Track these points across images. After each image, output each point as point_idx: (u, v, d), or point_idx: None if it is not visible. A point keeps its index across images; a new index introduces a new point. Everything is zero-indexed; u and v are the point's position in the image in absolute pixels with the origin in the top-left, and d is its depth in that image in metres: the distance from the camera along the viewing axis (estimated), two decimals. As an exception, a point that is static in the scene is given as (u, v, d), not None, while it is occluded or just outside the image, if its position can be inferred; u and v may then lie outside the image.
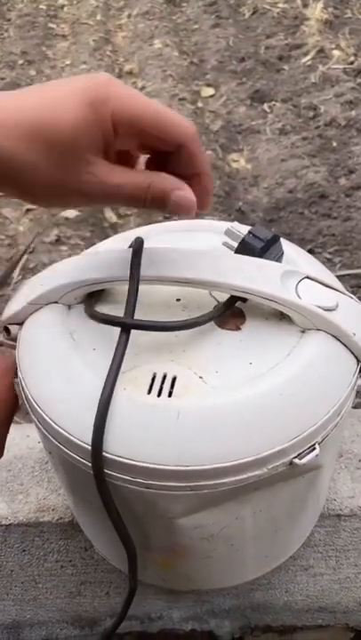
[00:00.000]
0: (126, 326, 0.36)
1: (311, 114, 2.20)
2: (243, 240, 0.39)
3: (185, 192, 0.33)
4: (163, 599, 0.54)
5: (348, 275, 1.62)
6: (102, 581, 0.54)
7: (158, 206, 0.33)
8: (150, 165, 0.35)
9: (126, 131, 0.31)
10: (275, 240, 0.39)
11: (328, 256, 1.69)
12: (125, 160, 0.34)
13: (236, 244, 0.40)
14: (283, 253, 0.41)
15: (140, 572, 0.47)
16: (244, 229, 0.40)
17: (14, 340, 0.41)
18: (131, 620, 0.55)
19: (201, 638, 0.56)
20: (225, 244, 0.41)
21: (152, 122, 0.31)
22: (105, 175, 0.32)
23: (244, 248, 0.39)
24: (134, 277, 0.37)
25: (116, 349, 0.35)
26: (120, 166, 0.33)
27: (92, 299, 0.41)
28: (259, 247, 0.39)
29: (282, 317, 0.38)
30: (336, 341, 0.37)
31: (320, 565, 0.53)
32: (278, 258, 0.40)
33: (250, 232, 0.39)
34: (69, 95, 0.30)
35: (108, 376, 0.34)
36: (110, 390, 0.34)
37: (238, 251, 0.39)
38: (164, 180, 0.33)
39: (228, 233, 0.40)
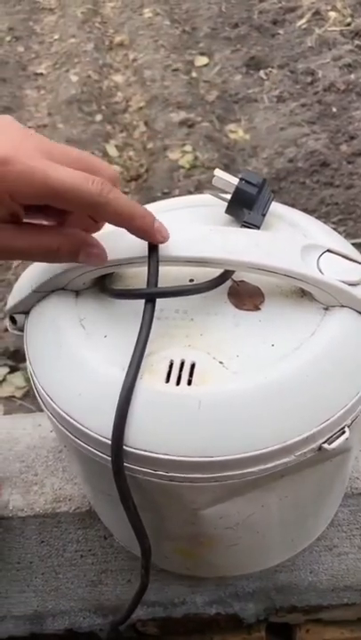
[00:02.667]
0: (151, 296, 0.34)
1: (309, 79, 2.13)
2: (237, 189, 0.39)
3: (92, 248, 0.34)
4: (185, 584, 0.54)
5: (354, 244, 1.60)
6: (123, 569, 0.53)
7: (71, 261, 0.34)
8: None
9: (28, 204, 0.31)
10: (264, 183, 0.40)
11: (332, 226, 1.65)
12: None
13: (226, 195, 0.40)
14: (272, 196, 0.41)
15: (163, 561, 0.46)
16: (231, 178, 0.40)
17: (21, 329, 0.39)
18: (154, 607, 0.55)
19: (225, 621, 0.56)
20: (214, 194, 0.40)
21: (50, 197, 0.30)
22: (9, 240, 0.32)
23: (240, 196, 0.39)
24: (154, 253, 0.35)
25: (142, 326, 0.34)
26: (30, 226, 0.33)
27: (102, 282, 0.39)
28: (254, 193, 0.39)
29: (303, 294, 0.36)
30: (362, 318, 0.35)
31: (344, 545, 0.52)
32: (269, 200, 0.41)
33: (241, 178, 0.39)
34: None
35: (132, 359, 0.33)
36: (133, 377, 0.32)
37: (233, 199, 0.39)
38: (72, 239, 0.33)
39: (217, 182, 0.40)
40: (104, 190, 0.31)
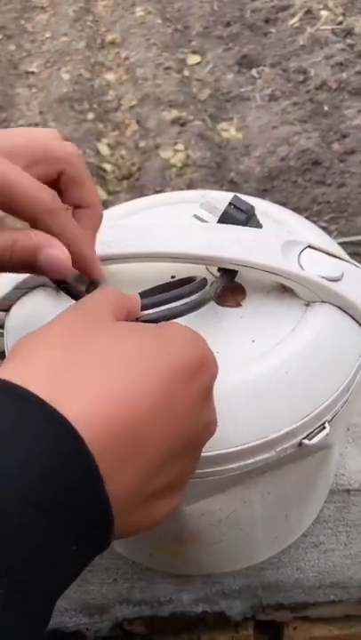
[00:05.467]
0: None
1: (301, 78, 2.14)
2: (225, 212, 0.37)
3: (55, 250, 0.29)
4: (172, 582, 0.53)
5: (345, 242, 1.60)
6: (109, 568, 0.53)
7: (27, 266, 0.29)
8: None
9: None
10: (253, 210, 0.37)
11: (324, 224, 1.66)
12: None
13: (211, 218, 0.37)
14: (261, 227, 0.39)
15: (148, 559, 0.46)
16: (218, 202, 0.37)
17: (1, 327, 0.39)
18: (141, 605, 0.54)
19: (213, 620, 0.56)
20: (197, 216, 0.38)
21: (5, 199, 0.28)
22: None
23: (227, 221, 0.37)
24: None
25: None
26: None
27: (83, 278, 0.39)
28: (243, 218, 0.37)
29: (284, 290, 0.36)
30: (343, 313, 0.35)
31: (331, 541, 0.52)
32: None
33: (231, 203, 0.37)
34: None
35: None
36: None
37: (220, 222, 0.37)
38: (32, 238, 0.29)
39: (204, 206, 0.38)
40: (57, 203, 0.29)
